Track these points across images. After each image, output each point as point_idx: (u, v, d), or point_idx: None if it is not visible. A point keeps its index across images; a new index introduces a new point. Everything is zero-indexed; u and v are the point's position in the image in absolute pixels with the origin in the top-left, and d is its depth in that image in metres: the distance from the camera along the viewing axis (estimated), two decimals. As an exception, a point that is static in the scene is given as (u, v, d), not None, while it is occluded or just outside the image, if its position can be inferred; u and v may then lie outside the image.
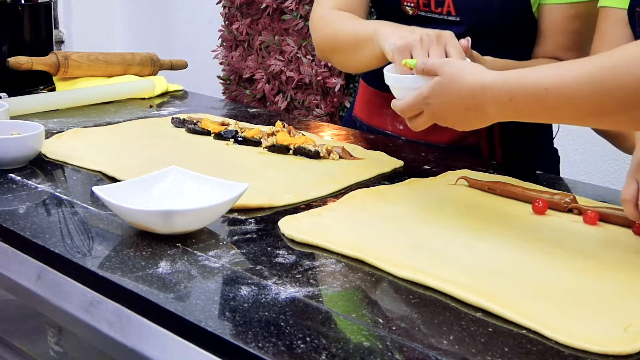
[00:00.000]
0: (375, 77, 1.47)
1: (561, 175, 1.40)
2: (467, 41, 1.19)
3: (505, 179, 1.20)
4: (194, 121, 1.48)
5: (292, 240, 0.97)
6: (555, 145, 1.60)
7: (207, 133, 1.44)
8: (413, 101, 1.06)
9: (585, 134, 2.37)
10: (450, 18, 1.41)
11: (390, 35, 1.23)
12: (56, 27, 3.68)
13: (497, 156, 1.48)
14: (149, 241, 0.97)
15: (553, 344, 0.74)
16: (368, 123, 1.57)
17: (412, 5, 1.44)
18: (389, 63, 1.22)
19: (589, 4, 1.37)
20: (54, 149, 1.31)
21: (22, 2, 1.85)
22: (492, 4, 1.38)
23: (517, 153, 1.50)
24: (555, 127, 1.59)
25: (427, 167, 1.31)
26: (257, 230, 1.01)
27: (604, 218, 1.05)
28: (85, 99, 1.70)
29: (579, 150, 2.42)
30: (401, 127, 1.50)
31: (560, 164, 1.60)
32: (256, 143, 1.37)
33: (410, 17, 1.45)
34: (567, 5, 1.39)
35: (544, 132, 1.56)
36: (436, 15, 1.43)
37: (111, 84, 1.79)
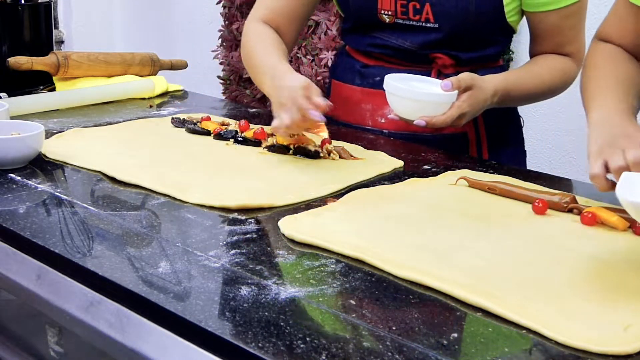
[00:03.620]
0: (354, 74, 1.56)
1: (559, 174, 1.40)
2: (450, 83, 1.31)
3: (505, 179, 1.20)
4: (194, 121, 1.48)
5: (292, 240, 0.97)
6: (555, 144, 1.63)
7: (207, 133, 1.44)
8: (454, 113, 1.32)
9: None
10: (429, 25, 1.46)
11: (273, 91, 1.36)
12: (56, 27, 3.68)
13: (482, 141, 1.53)
14: (149, 241, 0.97)
15: (553, 344, 0.74)
16: (344, 120, 1.58)
17: (390, 13, 1.47)
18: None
19: (580, 2, 1.44)
20: (54, 149, 1.31)
21: (22, 2, 1.85)
22: (468, 10, 1.43)
23: (499, 137, 1.56)
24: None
25: (427, 167, 1.31)
26: (257, 230, 1.01)
27: (603, 220, 1.05)
28: (85, 99, 1.70)
29: (578, 150, 2.42)
30: (382, 121, 1.54)
31: (561, 164, 1.62)
32: (256, 143, 1.37)
33: (387, 25, 1.50)
34: (561, 9, 1.44)
35: (518, 132, 1.64)
36: (414, 23, 1.47)
37: (111, 84, 1.79)
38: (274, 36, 1.54)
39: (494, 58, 1.55)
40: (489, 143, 1.54)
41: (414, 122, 1.32)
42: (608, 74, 1.21)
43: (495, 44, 1.51)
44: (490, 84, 1.38)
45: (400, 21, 1.47)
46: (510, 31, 1.52)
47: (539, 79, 1.48)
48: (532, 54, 1.53)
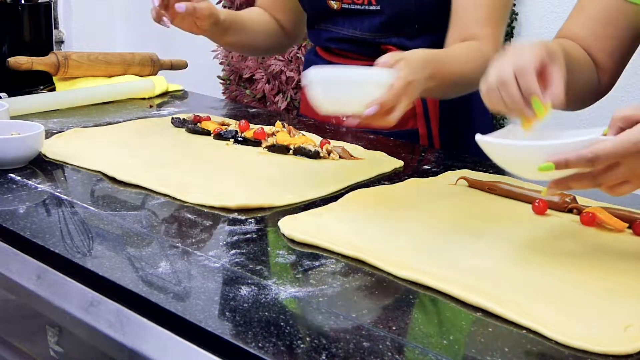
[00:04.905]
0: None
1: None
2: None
3: (505, 179, 1.20)
4: (194, 121, 1.48)
5: (292, 240, 0.97)
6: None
7: (207, 133, 1.44)
8: (401, 83, 1.09)
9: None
10: (372, 8, 1.47)
11: None
12: (56, 27, 3.68)
13: (434, 136, 1.52)
14: (149, 241, 0.97)
15: (553, 344, 0.74)
16: (314, 119, 1.63)
17: None
18: None
19: None
20: (54, 149, 1.31)
21: (22, 2, 1.85)
22: None
23: (455, 134, 1.54)
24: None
25: (427, 167, 1.31)
26: (257, 230, 1.01)
27: (602, 220, 1.05)
28: (85, 99, 1.70)
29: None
30: (344, 119, 1.54)
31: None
32: (256, 143, 1.37)
33: (337, 12, 1.52)
34: None
35: (484, 121, 1.59)
36: (359, 7, 1.49)
37: (111, 84, 1.79)
38: (254, 9, 1.69)
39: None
40: (442, 139, 1.52)
41: (365, 112, 1.07)
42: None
43: (440, 33, 1.42)
44: (416, 52, 1.19)
45: (347, 6, 1.49)
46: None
47: (465, 56, 1.33)
48: (446, 41, 1.41)
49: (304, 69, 1.69)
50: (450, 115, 1.50)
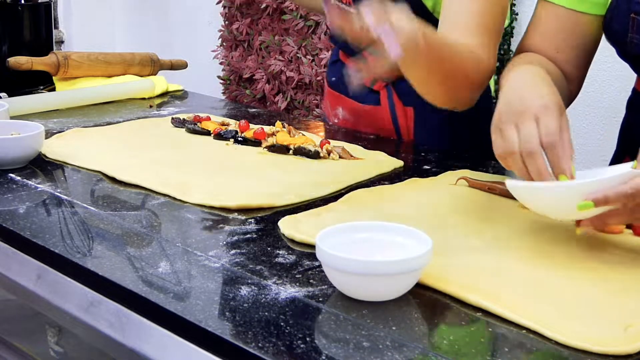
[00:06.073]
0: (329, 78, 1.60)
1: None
2: None
3: (505, 179, 1.20)
4: (194, 121, 1.48)
5: (292, 240, 0.97)
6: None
7: (207, 133, 1.44)
8: None
9: (585, 134, 2.37)
10: (351, 10, 1.41)
11: None
12: (56, 27, 3.68)
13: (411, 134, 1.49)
14: (148, 241, 0.97)
15: (553, 344, 0.74)
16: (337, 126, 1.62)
17: None
18: None
19: None
20: (54, 149, 1.32)
21: (22, 2, 1.85)
22: None
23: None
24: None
25: (427, 167, 1.31)
26: (257, 230, 1.01)
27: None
28: (85, 99, 1.70)
29: (579, 150, 2.42)
30: (336, 121, 1.59)
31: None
32: (256, 143, 1.37)
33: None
34: None
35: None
36: (343, 5, 1.41)
37: (111, 84, 1.80)
38: None
39: None
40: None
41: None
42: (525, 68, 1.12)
43: None
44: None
45: (338, 1, 1.44)
46: None
47: (458, 47, 1.16)
48: None
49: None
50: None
